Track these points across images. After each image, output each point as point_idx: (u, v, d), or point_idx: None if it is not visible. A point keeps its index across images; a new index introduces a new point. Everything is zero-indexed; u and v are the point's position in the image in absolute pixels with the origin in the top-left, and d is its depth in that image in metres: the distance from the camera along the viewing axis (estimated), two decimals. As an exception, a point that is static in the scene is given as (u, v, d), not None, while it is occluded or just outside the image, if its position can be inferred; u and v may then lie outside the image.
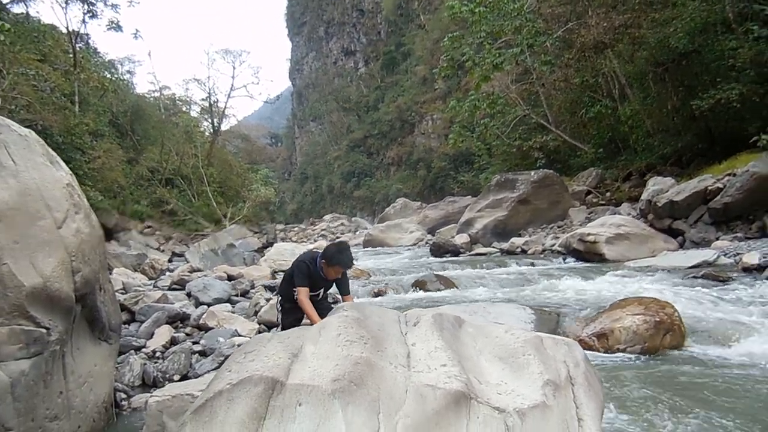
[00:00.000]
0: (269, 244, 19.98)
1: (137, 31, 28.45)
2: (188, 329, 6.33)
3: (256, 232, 25.28)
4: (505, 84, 24.40)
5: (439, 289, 8.74)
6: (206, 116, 35.99)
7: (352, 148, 67.25)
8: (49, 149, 3.79)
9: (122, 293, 7.71)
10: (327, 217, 41.45)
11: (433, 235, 19.96)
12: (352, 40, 78.81)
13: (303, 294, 4.27)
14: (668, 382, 4.05)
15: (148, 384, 4.91)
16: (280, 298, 4.73)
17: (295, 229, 34.21)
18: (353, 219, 42.19)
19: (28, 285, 3.04)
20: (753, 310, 5.73)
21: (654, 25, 16.17)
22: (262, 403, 2.04)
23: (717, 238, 10.59)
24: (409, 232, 22.05)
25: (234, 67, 36.22)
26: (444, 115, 37.24)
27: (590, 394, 2.53)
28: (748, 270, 7.93)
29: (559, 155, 23.28)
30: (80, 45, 23.90)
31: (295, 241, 24.41)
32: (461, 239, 16.17)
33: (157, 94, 33.85)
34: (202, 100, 36.04)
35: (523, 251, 13.80)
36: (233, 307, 7.51)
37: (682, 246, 11.17)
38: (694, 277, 7.83)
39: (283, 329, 4.17)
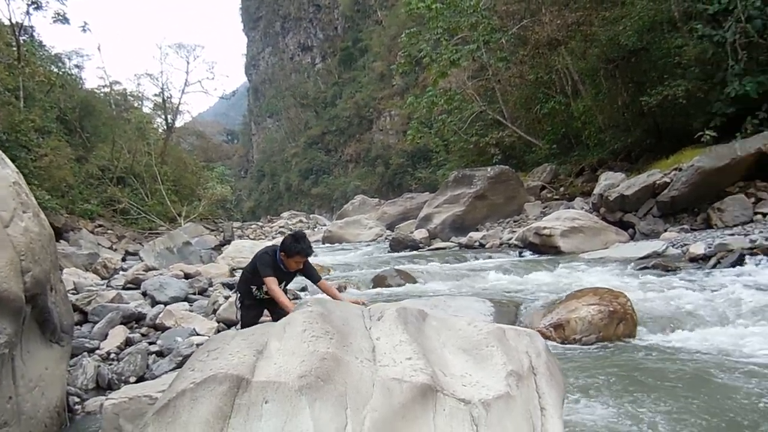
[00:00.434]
0: (227, 242, 19.66)
1: (85, 23, 27.43)
2: (144, 329, 6.17)
3: (212, 230, 24.83)
4: (462, 80, 24.65)
5: (399, 284, 8.77)
6: (159, 112, 34.99)
7: (310, 145, 66.85)
8: (-7, 147, 3.63)
9: (74, 293, 7.44)
10: (285, 214, 40.99)
11: (392, 231, 20.05)
12: (309, 35, 78.05)
13: (272, 283, 4.17)
14: (623, 370, 4.18)
15: (103, 387, 4.76)
16: (239, 295, 4.66)
17: (253, 226, 33.66)
18: (311, 216, 41.90)
19: (-26, 286, 2.90)
20: (699, 298, 5.98)
21: (605, 23, 16.63)
22: (227, 401, 2.00)
23: (665, 230, 11.00)
24: (368, 228, 22.06)
25: (188, 62, 35.47)
26: (402, 111, 37.39)
27: (552, 384, 2.59)
28: (694, 260, 8.28)
29: (515, 151, 23.70)
30: (24, 38, 22.80)
31: (253, 239, 24.07)
32: (420, 234, 16.31)
33: (107, 90, 32.57)
34: (155, 95, 35.03)
35: (481, 245, 14.01)
36: (191, 305, 7.35)
37: (632, 238, 11.56)
38: (645, 267, 8.12)
39: (243, 327, 4.10)
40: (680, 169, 11.55)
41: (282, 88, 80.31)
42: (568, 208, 14.61)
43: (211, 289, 8.55)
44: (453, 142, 26.20)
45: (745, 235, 9.01)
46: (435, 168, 31.30)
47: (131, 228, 23.30)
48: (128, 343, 5.70)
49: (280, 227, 31.28)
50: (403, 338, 2.49)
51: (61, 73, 25.55)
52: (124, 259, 15.53)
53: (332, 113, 65.03)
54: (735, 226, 10.00)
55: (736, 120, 12.31)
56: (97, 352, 5.45)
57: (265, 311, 4.63)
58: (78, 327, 5.81)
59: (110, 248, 18.15)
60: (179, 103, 35.61)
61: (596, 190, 13.72)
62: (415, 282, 8.95)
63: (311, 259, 4.51)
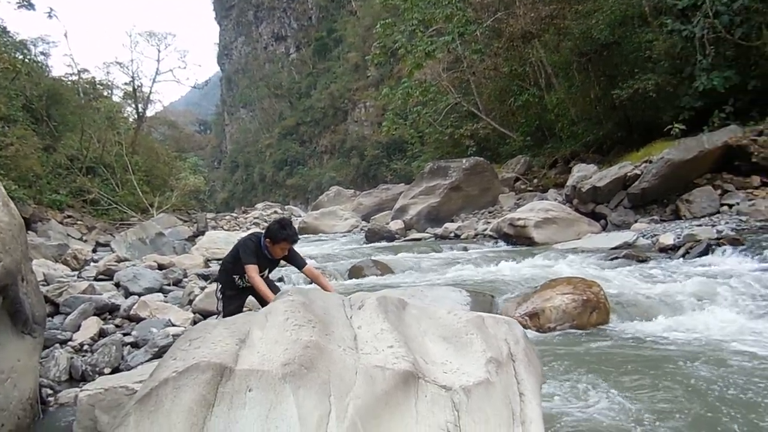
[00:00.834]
0: (200, 233, 19.42)
1: (51, 9, 26.62)
2: (118, 320, 6.07)
3: (186, 221, 24.50)
4: (437, 72, 24.70)
5: (376, 275, 8.81)
6: (130, 101, 34.17)
7: (285, 136, 66.29)
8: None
9: (44, 285, 7.27)
10: (259, 205, 40.59)
11: (368, 222, 20.07)
12: (283, 25, 77.12)
13: (253, 271, 4.15)
14: (597, 357, 4.29)
15: (76, 378, 4.71)
16: (220, 285, 4.62)
17: (227, 217, 33.23)
18: (286, 207, 41.59)
19: (-56, 277, 2.83)
20: (669, 287, 6.14)
21: (578, 17, 16.85)
22: (210, 390, 2.00)
23: (636, 221, 11.24)
24: (344, 219, 22.02)
25: (159, 51, 34.49)
26: (377, 102, 37.37)
27: (530, 370, 2.64)
28: (664, 250, 8.49)
29: (489, 143, 23.88)
30: (-13, 23, 22.14)
31: (227, 230, 23.80)
32: (396, 225, 16.37)
33: (75, 78, 31.53)
34: (125, 84, 34.16)
35: (457, 236, 14.12)
36: (166, 296, 7.27)
37: (604, 229, 11.78)
38: (616, 257, 8.28)
39: (224, 317, 4.08)
40: (650, 162, 11.78)
41: (256, 78, 79.31)
42: (542, 199, 14.81)
43: (186, 280, 8.45)
44: (428, 133, 26.29)
45: (712, 225, 9.25)
46: (410, 159, 31.36)
47: (102, 219, 22.82)
48: (102, 334, 5.61)
49: (255, 218, 30.95)
50: (384, 327, 2.51)
51: (26, 60, 24.75)
52: (95, 251, 15.25)
53: (307, 104, 64.52)
54: (702, 217, 10.25)
55: (704, 113, 12.61)
56: (70, 343, 5.35)
57: (253, 299, 4.60)
58: (49, 318, 5.69)
59: (80, 239, 17.80)
60: (150, 92, 34.80)
61: (569, 182, 13.94)
62: (392, 272, 8.99)
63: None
